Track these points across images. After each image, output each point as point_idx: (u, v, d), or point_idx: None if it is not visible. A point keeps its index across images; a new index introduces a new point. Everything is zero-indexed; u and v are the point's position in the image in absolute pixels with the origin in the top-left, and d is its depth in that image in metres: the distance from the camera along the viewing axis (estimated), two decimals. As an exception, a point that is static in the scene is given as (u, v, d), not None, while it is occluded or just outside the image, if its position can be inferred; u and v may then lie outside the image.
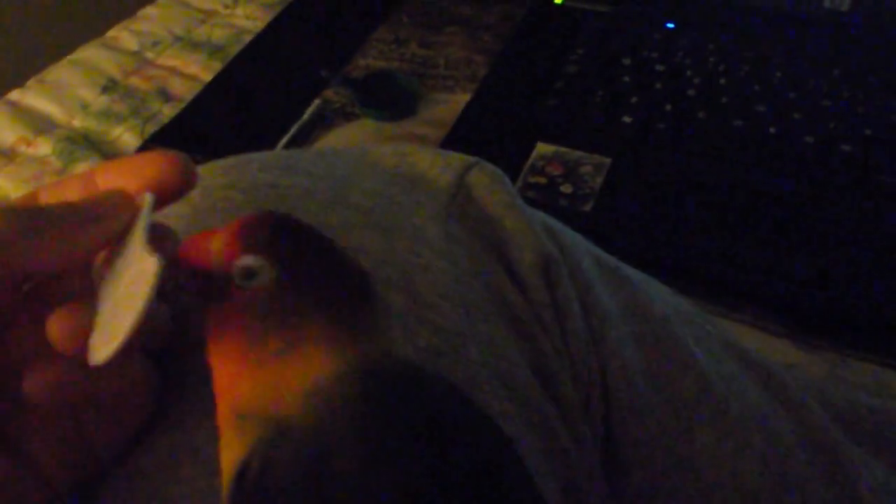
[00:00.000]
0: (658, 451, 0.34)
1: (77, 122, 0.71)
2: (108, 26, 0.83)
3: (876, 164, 0.59)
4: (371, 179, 0.34)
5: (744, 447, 0.35)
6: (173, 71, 0.77)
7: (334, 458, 0.19)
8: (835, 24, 0.71)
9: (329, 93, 0.71)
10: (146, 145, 0.68)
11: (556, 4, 0.78)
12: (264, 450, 0.20)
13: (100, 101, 0.73)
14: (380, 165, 0.35)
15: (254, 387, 0.22)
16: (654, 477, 0.34)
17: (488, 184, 0.35)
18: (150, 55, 0.80)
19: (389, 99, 0.69)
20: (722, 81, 0.67)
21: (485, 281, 0.32)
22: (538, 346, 0.32)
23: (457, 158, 0.36)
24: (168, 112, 0.71)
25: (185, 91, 0.74)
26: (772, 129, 0.62)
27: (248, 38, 0.79)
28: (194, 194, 0.29)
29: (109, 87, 0.75)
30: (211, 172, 0.33)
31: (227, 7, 0.86)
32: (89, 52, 0.79)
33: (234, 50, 0.78)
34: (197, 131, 0.69)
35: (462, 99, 0.69)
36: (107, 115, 0.72)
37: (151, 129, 0.70)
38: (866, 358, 0.51)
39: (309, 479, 0.19)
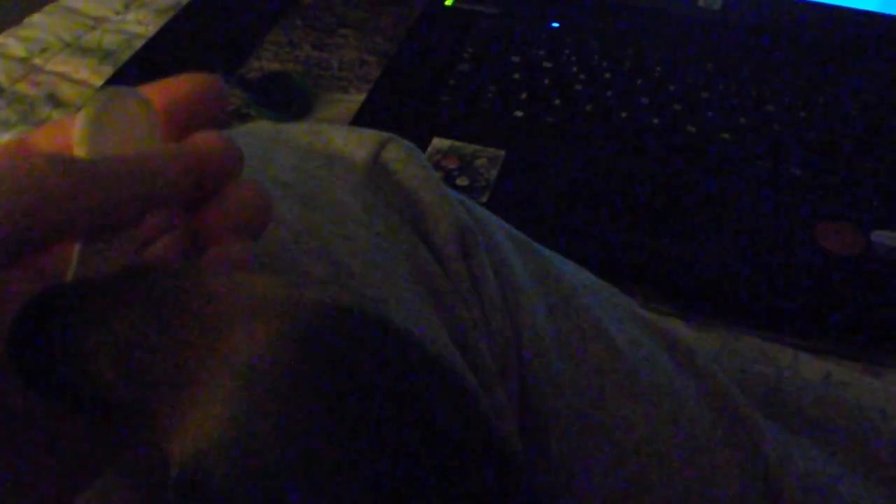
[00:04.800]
0: (573, 420, 0.35)
1: (-39, 130, 0.69)
2: (-7, 33, 0.81)
3: (751, 150, 0.63)
4: (287, 156, 0.34)
5: (655, 412, 0.36)
6: (63, 76, 0.76)
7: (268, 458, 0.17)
8: (708, 21, 0.75)
9: (224, 95, 0.70)
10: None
11: (447, 7, 0.80)
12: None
13: (-15, 109, 0.71)
14: (294, 142, 0.35)
15: None
16: (570, 446, 0.34)
17: (403, 158, 0.35)
18: (38, 61, 0.78)
19: (285, 100, 0.69)
20: (606, 76, 0.70)
21: (405, 251, 0.33)
22: (457, 316, 0.32)
23: (371, 134, 0.36)
24: (58, 118, 0.70)
25: (75, 96, 0.72)
26: (655, 120, 0.66)
27: (139, 44, 0.78)
28: None
29: (-6, 94, 0.73)
30: None
31: (117, 13, 0.84)
32: (-28, 60, 0.77)
33: (126, 56, 0.77)
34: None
35: (356, 99, 0.70)
36: (-7, 122, 0.70)
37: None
38: (755, 333, 0.54)
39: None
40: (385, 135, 0.36)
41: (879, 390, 0.51)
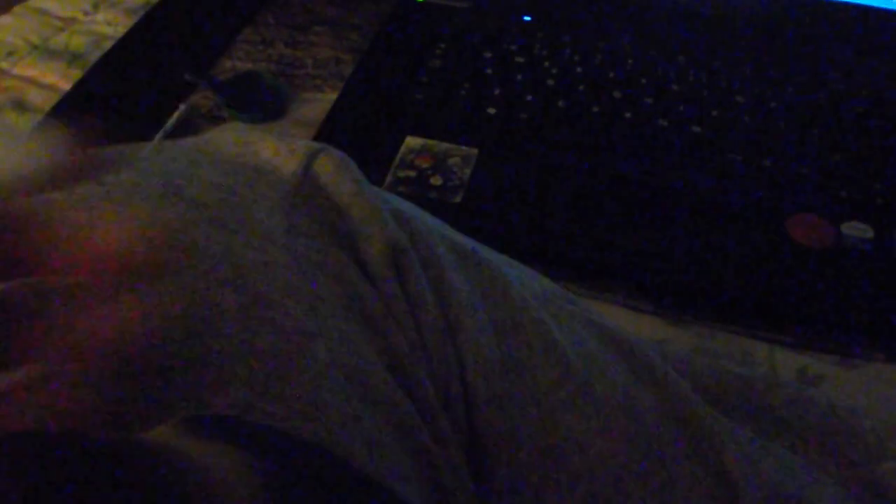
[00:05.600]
0: (522, 444, 0.33)
1: (-72, 139, 0.68)
2: (-42, 37, 0.80)
3: (723, 144, 0.63)
4: (211, 170, 0.32)
5: (609, 428, 0.34)
6: (30, 81, 0.75)
7: None
8: (680, 13, 0.75)
9: (195, 97, 0.70)
10: (5, 159, 0.65)
11: (420, 2, 0.80)
12: None
13: (-48, 116, 0.70)
14: (221, 154, 0.34)
15: None
16: (521, 472, 0.33)
17: (334, 171, 0.34)
18: (4, 65, 0.77)
19: (257, 100, 0.69)
20: (578, 70, 0.70)
21: (333, 274, 0.31)
22: (391, 341, 0.31)
23: (302, 145, 0.35)
24: (25, 124, 0.69)
25: (42, 102, 0.72)
26: (627, 115, 0.66)
27: (109, 45, 0.77)
28: None
29: (-38, 100, 0.72)
30: None
31: (86, 14, 0.83)
32: (-62, 65, 0.76)
33: (95, 57, 0.76)
34: (59, 142, 0.67)
35: (331, 98, 0.70)
36: (-40, 129, 0.69)
37: (10, 141, 0.67)
38: (730, 330, 0.54)
39: None
40: (316, 145, 0.34)
41: (854, 384, 0.51)
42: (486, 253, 0.39)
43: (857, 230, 0.56)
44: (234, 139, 0.35)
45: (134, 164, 0.32)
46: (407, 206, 0.36)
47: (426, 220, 0.36)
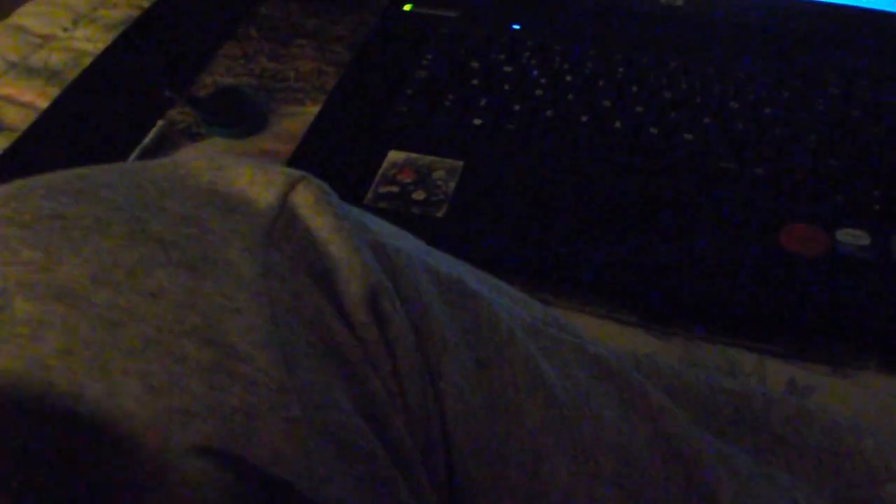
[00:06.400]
0: (506, 494, 0.32)
1: None
2: (-64, 56, 0.78)
3: (716, 151, 0.61)
4: (180, 200, 0.30)
5: (599, 473, 0.33)
6: (8, 100, 0.73)
7: None
8: (670, 18, 0.73)
9: (173, 113, 0.68)
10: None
11: (406, 12, 0.78)
12: None
13: (-74, 137, 0.69)
14: (193, 181, 0.32)
15: None
16: None
17: (314, 203, 0.31)
18: (-17, 85, 0.75)
19: (237, 116, 0.67)
20: (567, 79, 0.68)
21: (309, 319, 0.29)
22: (369, 390, 0.29)
23: (280, 174, 0.32)
24: (1, 143, 0.68)
25: (20, 120, 0.70)
26: (617, 124, 0.64)
27: (88, 62, 0.76)
28: None
29: (-63, 120, 0.71)
30: None
31: (65, 30, 0.82)
32: (-86, 85, 0.74)
33: (74, 74, 0.74)
34: (33, 162, 0.65)
35: (313, 111, 0.68)
36: (-66, 150, 0.67)
37: (-16, 162, 0.66)
38: (718, 340, 0.52)
39: None
40: (296, 174, 0.32)
41: (846, 394, 0.49)
42: (473, 279, 0.37)
43: (852, 237, 0.54)
44: (207, 164, 0.32)
45: (97, 192, 0.30)
46: (389, 234, 0.34)
47: (409, 249, 0.34)
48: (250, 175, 0.32)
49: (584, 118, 0.64)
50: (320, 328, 0.29)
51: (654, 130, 0.63)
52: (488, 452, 0.31)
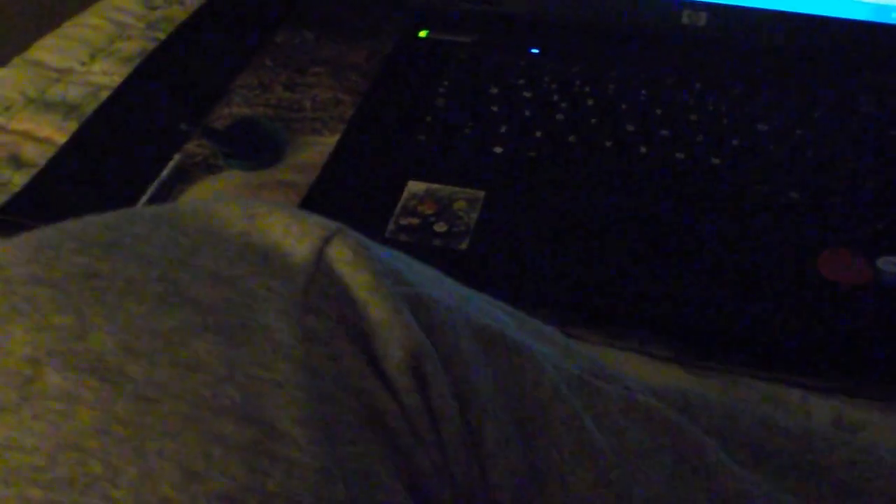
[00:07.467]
0: None
1: (-81, 199, 0.66)
2: (-46, 93, 0.78)
3: (745, 175, 0.59)
4: (214, 256, 0.29)
5: None
6: (25, 135, 0.73)
7: None
8: (693, 39, 0.72)
9: (190, 146, 0.67)
10: (-4, 218, 0.63)
11: (422, 38, 0.77)
12: None
13: (-56, 175, 0.68)
14: (227, 232, 0.30)
15: None
16: None
17: (351, 259, 0.30)
18: (1, 120, 0.75)
19: (254, 147, 0.66)
20: (589, 103, 0.66)
21: (351, 386, 0.28)
22: (414, 462, 0.28)
23: (315, 225, 0.31)
24: (20, 180, 0.67)
25: (37, 156, 0.70)
26: (643, 149, 0.62)
27: (105, 96, 0.75)
28: None
29: (-45, 158, 0.70)
30: (15, 258, 0.27)
31: (83, 64, 0.82)
32: (-68, 123, 0.74)
33: (91, 108, 0.74)
34: (51, 197, 0.65)
35: (330, 141, 0.67)
36: (-48, 188, 0.67)
37: (2, 199, 0.65)
38: (758, 375, 0.50)
39: None
40: (332, 225, 0.31)
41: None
42: (515, 329, 0.35)
43: (893, 265, 0.52)
44: (240, 212, 0.31)
45: (130, 245, 0.29)
46: (426, 282, 0.33)
47: (448, 299, 0.33)
48: (284, 225, 0.31)
49: (607, 143, 0.63)
50: (363, 396, 0.28)
51: (680, 155, 0.61)
52: None
